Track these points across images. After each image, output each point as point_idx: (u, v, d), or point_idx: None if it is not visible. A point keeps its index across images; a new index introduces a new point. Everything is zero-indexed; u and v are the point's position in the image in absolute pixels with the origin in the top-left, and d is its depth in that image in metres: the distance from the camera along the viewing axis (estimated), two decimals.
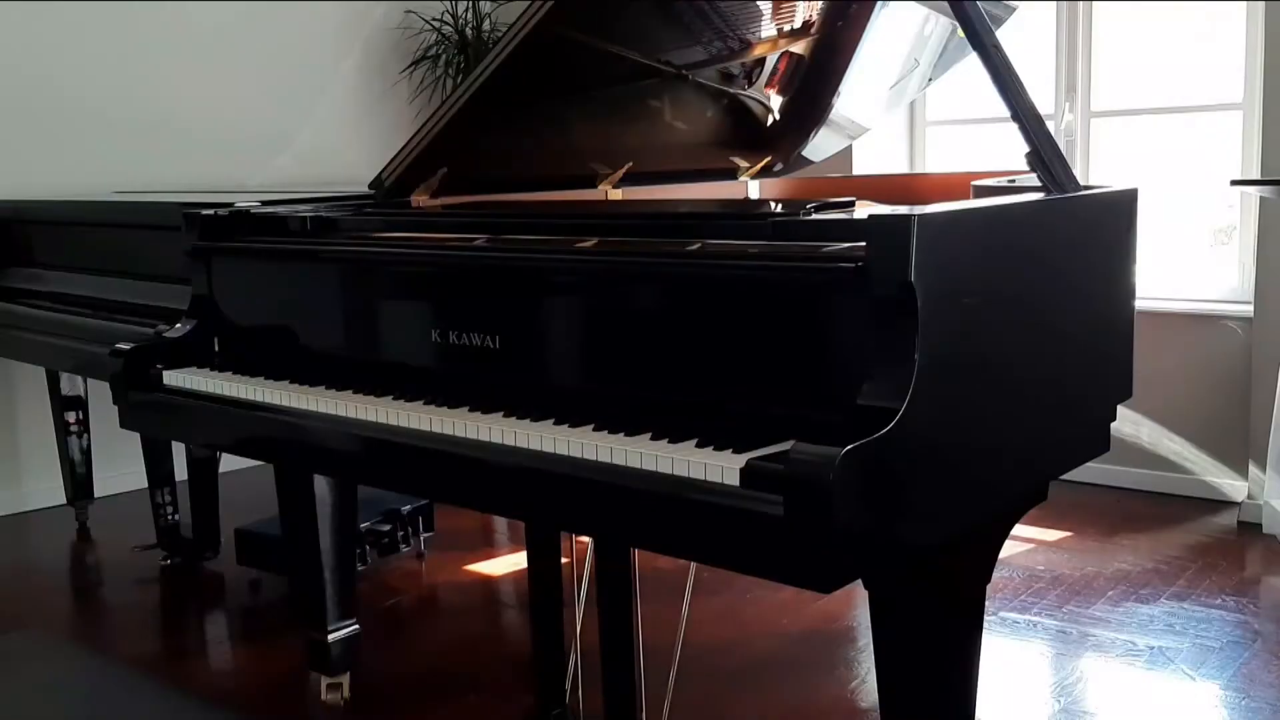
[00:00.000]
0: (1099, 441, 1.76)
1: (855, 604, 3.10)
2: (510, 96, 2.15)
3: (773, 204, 2.43)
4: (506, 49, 1.93)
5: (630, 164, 2.46)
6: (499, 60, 1.94)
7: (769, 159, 2.77)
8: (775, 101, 2.70)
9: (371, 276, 2.00)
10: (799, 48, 2.56)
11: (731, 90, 2.59)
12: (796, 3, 2.42)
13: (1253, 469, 3.82)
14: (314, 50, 4.97)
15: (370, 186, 2.22)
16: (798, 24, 2.48)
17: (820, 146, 2.84)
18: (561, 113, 2.38)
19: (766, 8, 2.39)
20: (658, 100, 2.51)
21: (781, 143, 2.78)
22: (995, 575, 1.66)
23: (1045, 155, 1.68)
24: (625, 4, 2.19)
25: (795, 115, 2.74)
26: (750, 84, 2.59)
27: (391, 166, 2.14)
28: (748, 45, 2.46)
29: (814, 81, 2.66)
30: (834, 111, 2.74)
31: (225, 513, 3.48)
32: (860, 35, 2.52)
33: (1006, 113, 1.69)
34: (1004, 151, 3.99)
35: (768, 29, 2.45)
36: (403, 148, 2.13)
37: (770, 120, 2.75)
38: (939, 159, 4.85)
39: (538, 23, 1.88)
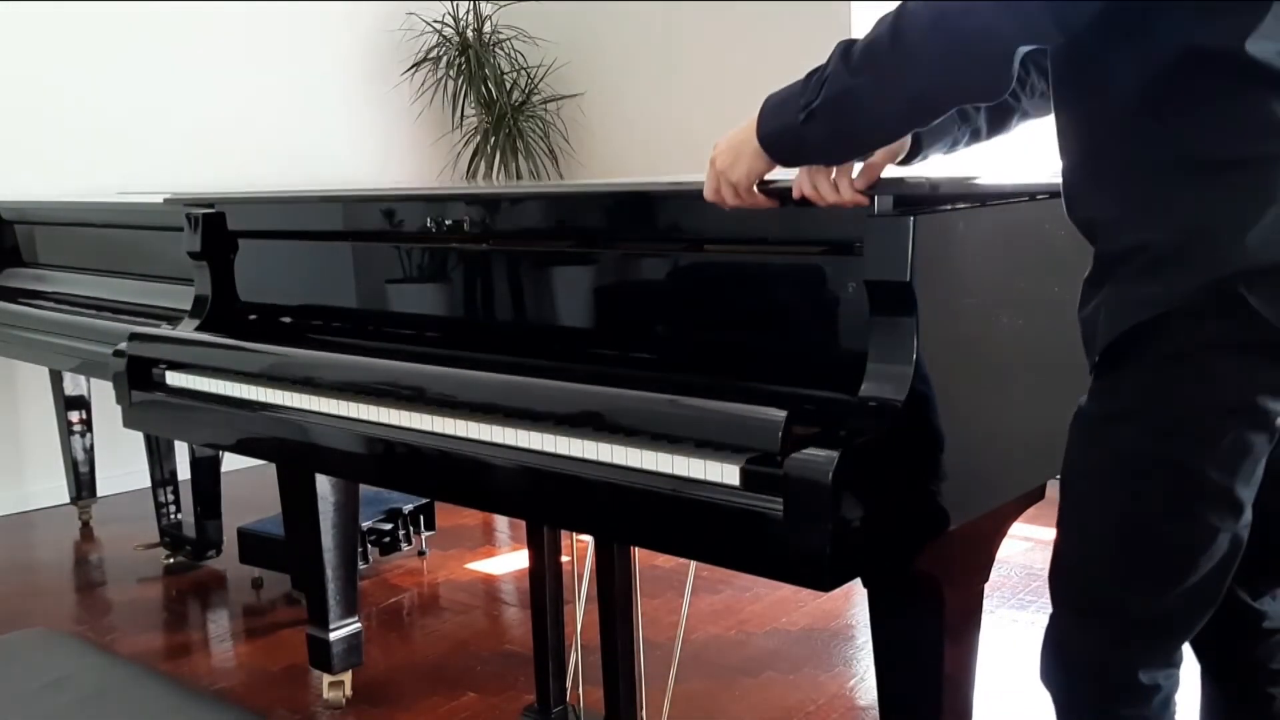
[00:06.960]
0: None
1: (854, 602, 3.11)
2: None
3: None
4: None
5: None
6: None
7: None
8: None
9: (371, 274, 2.00)
10: None
11: None
12: None
13: None
14: (315, 52, 4.97)
15: None
16: None
17: None
18: None
19: None
20: None
21: None
22: (994, 573, 1.66)
23: None
24: None
25: None
26: None
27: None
28: None
29: None
30: None
31: (228, 511, 3.49)
32: None
33: None
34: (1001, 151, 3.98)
35: None
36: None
37: None
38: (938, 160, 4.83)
39: None
